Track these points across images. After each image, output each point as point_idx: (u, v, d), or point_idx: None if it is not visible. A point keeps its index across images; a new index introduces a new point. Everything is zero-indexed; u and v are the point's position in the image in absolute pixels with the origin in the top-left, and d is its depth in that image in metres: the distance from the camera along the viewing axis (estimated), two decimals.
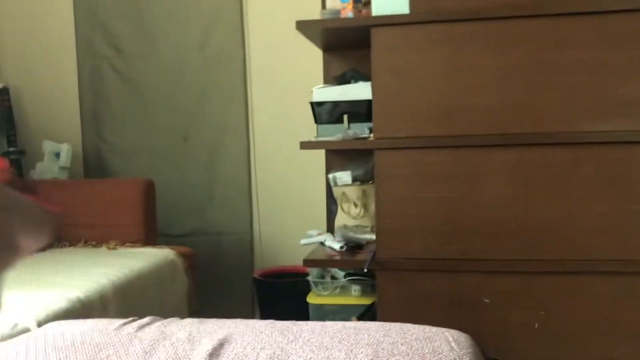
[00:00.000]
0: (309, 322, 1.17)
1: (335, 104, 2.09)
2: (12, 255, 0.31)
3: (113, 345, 1.03)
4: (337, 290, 2.13)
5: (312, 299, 2.12)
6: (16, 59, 2.75)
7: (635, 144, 1.66)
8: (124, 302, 1.60)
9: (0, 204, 0.31)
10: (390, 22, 1.76)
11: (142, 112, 2.67)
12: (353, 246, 2.06)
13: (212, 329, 1.10)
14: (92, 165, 2.70)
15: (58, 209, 0.37)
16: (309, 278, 2.17)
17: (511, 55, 1.70)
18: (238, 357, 0.96)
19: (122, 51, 2.67)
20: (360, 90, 2.06)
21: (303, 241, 2.20)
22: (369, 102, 2.05)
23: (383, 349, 1.00)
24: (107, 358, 0.98)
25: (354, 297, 2.10)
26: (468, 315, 1.81)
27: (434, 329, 1.12)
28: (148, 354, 0.99)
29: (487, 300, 1.78)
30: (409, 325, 1.13)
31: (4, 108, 2.61)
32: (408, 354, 0.97)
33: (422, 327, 1.13)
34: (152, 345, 1.03)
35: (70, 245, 2.13)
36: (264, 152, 2.62)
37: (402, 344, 1.02)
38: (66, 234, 2.14)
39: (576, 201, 1.71)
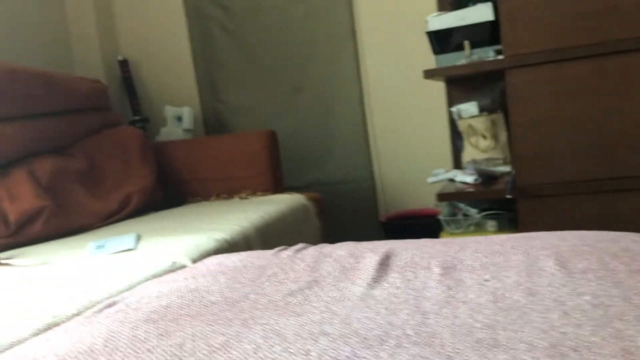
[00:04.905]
0: (468, 238, 1.10)
1: (454, 30, 1.98)
2: None
3: (277, 265, 1.02)
4: (472, 228, 2.04)
5: (446, 238, 2.05)
6: (131, 31, 2.85)
7: None
8: (265, 242, 1.62)
9: None
10: None
11: (253, 68, 2.68)
12: (487, 179, 1.96)
13: (371, 247, 1.06)
14: (212, 124, 2.76)
15: None
16: (440, 217, 2.10)
17: None
18: (409, 266, 0.91)
19: (228, 9, 2.69)
20: (480, 12, 1.93)
21: (430, 179, 2.12)
22: (491, 23, 1.93)
23: (564, 250, 0.92)
24: (274, 275, 0.97)
25: (491, 232, 2.00)
26: None
27: (614, 232, 1.01)
28: (313, 269, 0.97)
29: None
30: (584, 232, 1.04)
31: (126, 79, 2.72)
32: (594, 254, 0.88)
33: (598, 232, 1.03)
34: (315, 261, 1.01)
35: (203, 200, 2.19)
36: (378, 93, 2.54)
37: (583, 246, 0.93)
38: (198, 189, 2.21)
39: None
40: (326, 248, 1.10)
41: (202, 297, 0.94)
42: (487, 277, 0.82)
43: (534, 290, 0.76)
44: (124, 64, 2.74)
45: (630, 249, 0.90)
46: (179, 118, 2.59)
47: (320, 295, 0.83)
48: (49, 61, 2.56)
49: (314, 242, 2.05)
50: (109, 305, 1.01)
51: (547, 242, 0.97)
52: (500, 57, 1.77)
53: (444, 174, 2.11)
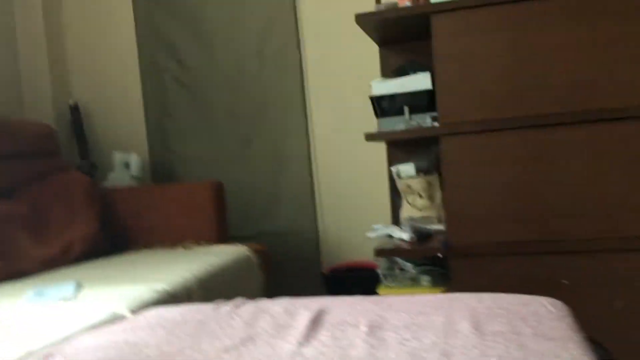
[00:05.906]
0: (397, 296, 1.18)
1: (396, 96, 2.11)
2: None
3: (215, 320, 1.07)
4: (407, 282, 2.13)
5: (383, 291, 2.12)
6: (83, 76, 2.89)
7: None
8: (206, 294, 1.65)
9: None
10: (451, 7, 1.77)
11: (205, 120, 2.75)
12: (421, 236, 2.06)
13: (306, 303, 1.12)
14: (160, 173, 2.79)
15: None
16: (379, 271, 2.18)
17: (576, 32, 1.69)
18: (339, 324, 0.98)
19: (183, 63, 2.77)
20: (419, 81, 2.07)
21: (370, 234, 2.21)
22: (429, 92, 2.06)
23: (480, 312, 1.00)
24: (212, 331, 1.01)
25: (425, 287, 2.09)
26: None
27: (527, 296, 1.11)
28: (250, 325, 1.02)
29: (566, 282, 1.75)
30: (501, 294, 1.13)
31: (76, 124, 2.73)
32: (506, 317, 0.97)
33: (513, 295, 1.13)
34: (252, 318, 1.06)
35: (146, 248, 2.20)
36: (324, 150, 2.66)
37: (498, 309, 1.02)
38: (142, 237, 2.22)
39: None
40: (264, 303, 1.16)
41: (140, 350, 0.97)
42: (407, 336, 0.89)
43: (448, 351, 0.84)
44: (74, 108, 2.76)
45: (538, 313, 0.99)
46: (127, 165, 2.62)
47: (253, 353, 0.88)
48: None
49: (257, 294, 2.09)
50: (45, 357, 1.03)
51: (466, 304, 1.06)
52: (436, 124, 1.90)
53: (382, 230, 2.21)
